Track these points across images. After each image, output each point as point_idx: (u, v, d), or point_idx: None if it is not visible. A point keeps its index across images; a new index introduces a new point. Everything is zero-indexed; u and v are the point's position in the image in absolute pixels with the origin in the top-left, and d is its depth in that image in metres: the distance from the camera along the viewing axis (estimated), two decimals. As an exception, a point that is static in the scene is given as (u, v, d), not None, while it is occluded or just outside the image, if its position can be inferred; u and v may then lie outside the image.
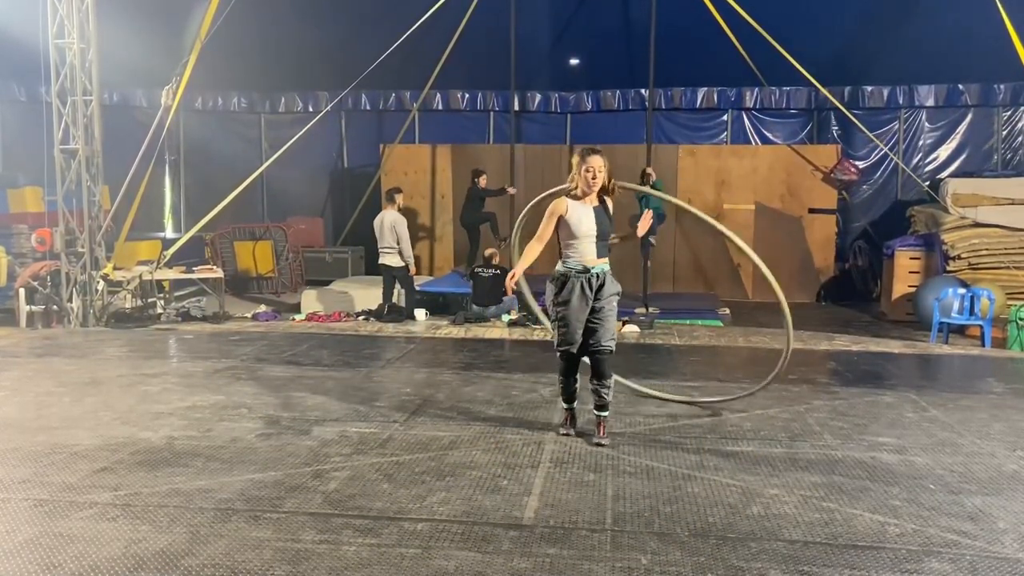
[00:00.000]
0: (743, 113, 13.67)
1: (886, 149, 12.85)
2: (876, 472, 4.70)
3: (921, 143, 13.17)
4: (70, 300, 9.74)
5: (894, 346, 8.79)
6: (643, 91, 13.01)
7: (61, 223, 9.77)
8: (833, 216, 12.55)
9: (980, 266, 10.16)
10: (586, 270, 5.07)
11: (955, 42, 11.14)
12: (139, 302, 10.18)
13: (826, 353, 8.52)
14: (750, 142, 13.60)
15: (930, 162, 13.13)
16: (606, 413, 5.23)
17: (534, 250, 5.12)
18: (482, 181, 11.50)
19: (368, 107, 14.51)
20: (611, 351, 5.15)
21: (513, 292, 7.16)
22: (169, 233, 14.58)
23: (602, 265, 5.13)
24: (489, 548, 3.65)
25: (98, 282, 9.88)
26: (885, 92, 13.06)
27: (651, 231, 11.18)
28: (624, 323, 9.69)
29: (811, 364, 8.00)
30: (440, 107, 14.34)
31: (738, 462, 4.88)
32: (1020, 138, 12.99)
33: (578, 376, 5.30)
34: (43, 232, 9.96)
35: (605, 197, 5.16)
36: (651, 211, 5.60)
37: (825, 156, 12.44)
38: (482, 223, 11.65)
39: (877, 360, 8.13)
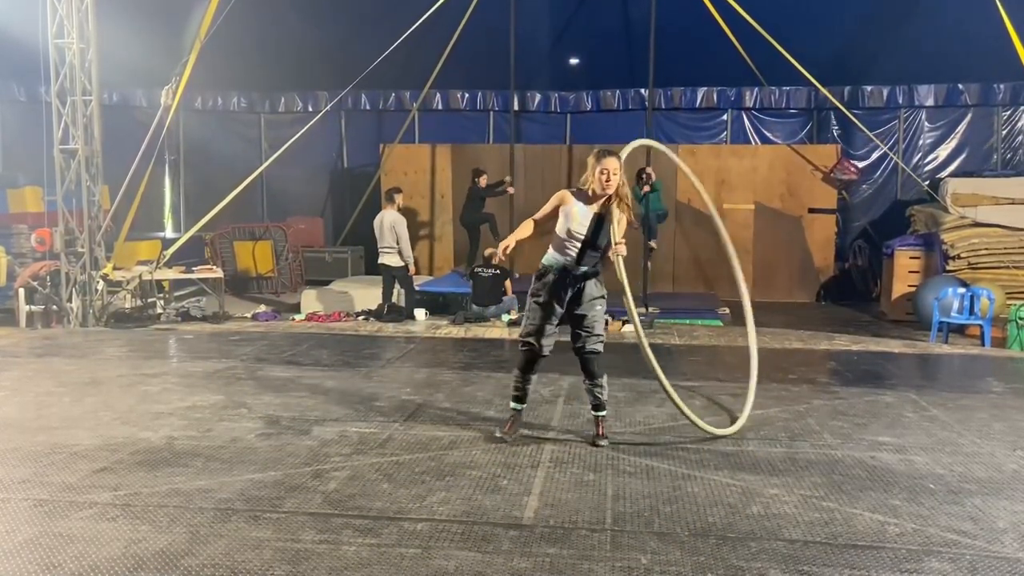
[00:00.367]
0: (743, 113, 13.67)
1: (886, 149, 12.85)
2: (876, 472, 4.70)
3: (921, 143, 13.17)
4: (70, 300, 9.74)
5: (894, 346, 8.78)
6: (643, 91, 13.01)
7: (61, 223, 9.77)
8: (833, 216, 12.55)
9: (980, 266, 10.16)
10: (566, 268, 5.04)
11: (955, 42, 11.14)
12: (139, 302, 10.18)
13: (826, 353, 8.52)
14: (750, 142, 13.59)
15: (930, 162, 13.13)
16: (603, 413, 5.23)
17: (527, 227, 5.08)
18: (482, 181, 11.50)
19: (368, 107, 14.50)
20: (598, 352, 5.14)
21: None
22: (169, 233, 14.57)
23: (586, 268, 5.07)
24: (489, 548, 3.65)
25: (98, 282, 9.87)
26: (885, 92, 13.06)
27: (652, 235, 11.22)
28: (624, 323, 9.69)
29: (811, 364, 8.01)
30: (440, 107, 14.34)
31: (738, 462, 4.88)
32: (1020, 138, 12.99)
33: (535, 378, 5.26)
34: (43, 232, 9.96)
35: (613, 208, 4.96)
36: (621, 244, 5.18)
37: (825, 156, 12.44)
38: (482, 223, 11.65)
39: (877, 360, 8.13)
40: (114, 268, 10.14)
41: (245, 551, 3.61)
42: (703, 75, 13.26)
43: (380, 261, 10.24)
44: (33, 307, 9.64)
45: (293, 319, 10.39)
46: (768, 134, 13.61)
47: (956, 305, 8.99)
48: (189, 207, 14.47)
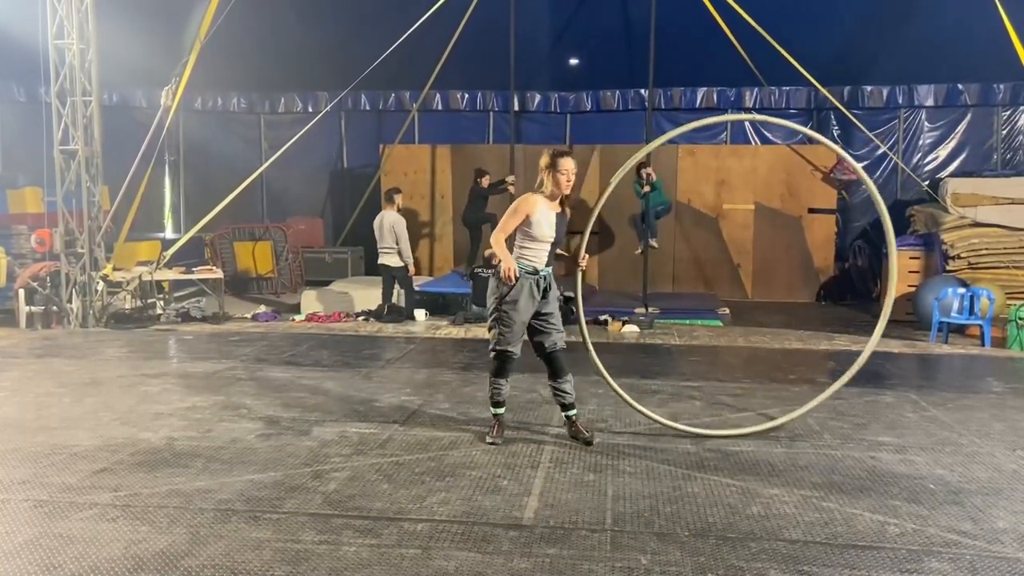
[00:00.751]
0: (743, 113, 13.66)
1: (886, 149, 12.85)
2: (876, 472, 4.70)
3: (921, 143, 13.18)
4: (70, 301, 9.74)
5: (894, 346, 8.78)
6: (643, 91, 13.02)
7: (61, 224, 9.77)
8: (833, 216, 12.55)
9: (980, 266, 10.16)
10: (536, 272, 5.05)
11: (955, 42, 11.14)
12: (139, 303, 10.18)
13: (826, 353, 8.52)
14: (750, 142, 13.60)
15: (930, 162, 13.13)
16: (575, 411, 5.21)
17: (502, 243, 5.09)
18: (484, 181, 11.50)
19: (368, 107, 14.51)
20: (564, 349, 5.17)
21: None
22: (169, 233, 14.58)
23: (549, 268, 5.13)
24: (489, 548, 3.65)
25: (98, 283, 9.88)
26: (885, 92, 13.06)
27: (652, 233, 11.22)
28: (624, 323, 9.70)
29: (811, 364, 8.01)
30: (440, 107, 14.34)
31: (738, 462, 4.88)
32: (1020, 137, 12.99)
33: (510, 380, 5.26)
34: (43, 233, 9.96)
35: (564, 205, 5.12)
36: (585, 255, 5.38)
37: (825, 156, 12.43)
38: (484, 223, 11.65)
39: (877, 360, 8.09)
40: (114, 269, 10.14)
41: (245, 552, 3.61)
42: (703, 75, 13.26)
43: (380, 261, 10.24)
44: (33, 308, 9.64)
45: (293, 320, 10.40)
46: (768, 134, 13.61)
47: (956, 305, 9.00)
48: (189, 208, 14.48)
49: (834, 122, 13.37)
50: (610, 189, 5.36)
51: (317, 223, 14.60)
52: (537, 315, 5.08)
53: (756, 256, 12.67)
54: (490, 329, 5.18)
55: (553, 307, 5.12)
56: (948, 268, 10.15)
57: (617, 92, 13.82)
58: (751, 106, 13.58)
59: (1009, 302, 9.38)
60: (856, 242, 13.01)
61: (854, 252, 12.92)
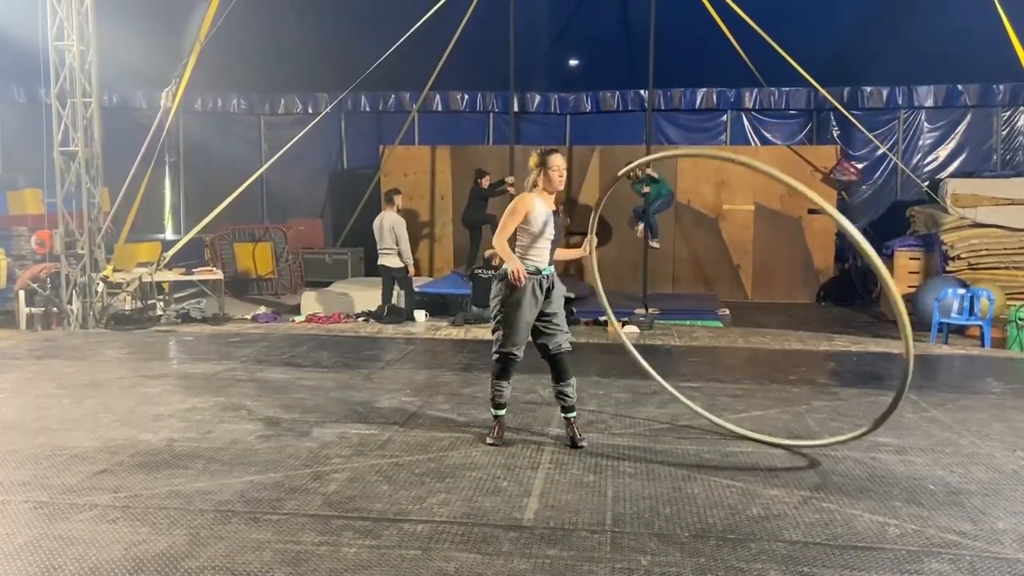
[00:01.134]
0: (742, 114, 13.69)
1: (885, 149, 12.86)
2: (876, 473, 4.70)
3: (920, 143, 13.19)
4: (70, 302, 9.75)
5: (894, 346, 8.78)
6: (642, 92, 13.03)
7: (61, 225, 9.77)
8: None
9: (979, 266, 10.16)
10: (538, 271, 5.02)
11: (954, 42, 11.15)
12: (139, 304, 10.18)
13: (826, 354, 8.52)
14: (749, 143, 13.61)
15: (929, 162, 13.14)
16: (574, 414, 5.18)
17: (507, 248, 5.02)
18: (484, 182, 11.50)
19: (368, 108, 14.52)
20: (569, 351, 5.14)
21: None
22: (169, 235, 14.59)
23: (551, 267, 5.10)
24: (489, 549, 3.65)
25: (98, 284, 9.88)
26: (884, 92, 13.07)
27: (654, 234, 11.22)
28: (623, 323, 9.70)
29: (811, 365, 8.00)
30: (439, 108, 14.35)
31: (738, 463, 4.88)
32: (1019, 138, 13.00)
33: (512, 382, 5.24)
34: (43, 234, 9.97)
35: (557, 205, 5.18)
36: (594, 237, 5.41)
37: (824, 157, 12.45)
38: (484, 224, 11.65)
39: (877, 360, 8.13)
40: (114, 270, 10.14)
41: (245, 553, 3.61)
42: (703, 76, 13.27)
43: (380, 262, 10.24)
44: (33, 309, 9.64)
45: (293, 321, 10.40)
46: (768, 135, 13.63)
47: (956, 306, 9.00)
48: (189, 209, 14.49)
49: (834, 123, 13.39)
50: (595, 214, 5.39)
51: (317, 224, 14.61)
52: (541, 316, 5.06)
53: (756, 257, 12.68)
54: (494, 331, 5.16)
55: (557, 307, 5.09)
56: (948, 269, 10.15)
57: (617, 93, 13.82)
58: (751, 107, 13.59)
59: (1009, 303, 9.38)
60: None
61: (854, 253, 12.91)
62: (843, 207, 12.90)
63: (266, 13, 11.59)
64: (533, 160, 5.06)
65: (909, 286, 10.44)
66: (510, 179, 11.43)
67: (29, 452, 5.01)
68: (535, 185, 5.05)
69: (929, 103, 13.04)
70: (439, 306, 10.83)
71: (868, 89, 13.04)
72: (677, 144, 13.45)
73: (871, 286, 12.44)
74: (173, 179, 15.13)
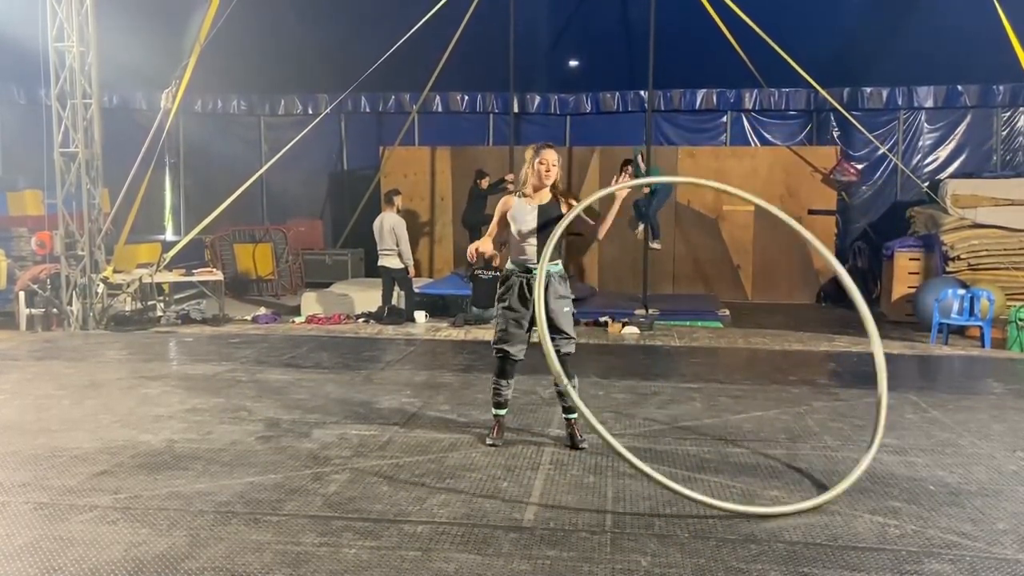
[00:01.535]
0: (742, 115, 13.67)
1: (885, 150, 12.86)
2: (876, 473, 4.70)
3: (920, 144, 13.18)
4: (70, 303, 9.75)
5: (894, 347, 8.77)
6: (642, 93, 13.01)
7: (61, 226, 9.78)
8: (833, 217, 12.56)
9: (980, 267, 10.16)
10: (528, 271, 4.99)
11: (954, 43, 11.14)
12: (139, 305, 10.18)
13: (826, 354, 8.52)
14: (749, 144, 13.60)
15: (929, 163, 13.13)
16: (575, 415, 5.13)
17: (487, 242, 5.11)
18: (484, 183, 11.51)
19: (368, 109, 14.51)
20: (569, 354, 5.07)
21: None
22: (169, 236, 14.59)
23: (549, 266, 4.92)
24: (489, 550, 3.65)
25: (98, 285, 9.88)
26: (884, 93, 13.07)
27: (655, 235, 11.21)
28: (624, 324, 9.70)
29: (811, 365, 8.01)
30: (440, 109, 14.34)
31: (738, 464, 4.88)
32: (1019, 139, 12.99)
33: (512, 382, 5.22)
34: (43, 235, 9.97)
35: (561, 198, 5.05)
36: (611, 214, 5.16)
37: (824, 157, 12.45)
38: (483, 224, 11.64)
39: (877, 361, 8.11)
40: (114, 271, 10.14)
41: (245, 554, 3.61)
42: (702, 77, 13.27)
43: (380, 263, 10.25)
44: (33, 310, 9.65)
45: (293, 321, 10.40)
46: (768, 136, 13.62)
47: (956, 306, 9.00)
48: (189, 210, 14.49)
49: (834, 123, 13.38)
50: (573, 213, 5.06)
51: (317, 225, 14.61)
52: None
53: (756, 257, 12.68)
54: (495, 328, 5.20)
55: (555, 309, 4.97)
56: (948, 269, 10.15)
57: (617, 94, 13.82)
58: (751, 107, 13.59)
59: (1009, 303, 9.38)
60: (856, 243, 13.02)
61: (854, 253, 12.92)
62: (843, 208, 12.95)
63: (266, 14, 11.59)
64: (528, 153, 5.08)
65: (909, 287, 10.45)
66: (510, 176, 11.43)
67: (29, 453, 5.01)
68: (527, 179, 5.05)
69: (929, 104, 13.03)
70: (439, 307, 10.83)
71: (868, 90, 13.04)
72: (677, 145, 13.45)
73: (871, 287, 12.45)
74: (173, 180, 15.13)
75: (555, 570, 3.47)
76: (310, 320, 10.41)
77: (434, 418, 5.86)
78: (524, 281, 5.00)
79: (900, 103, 13.08)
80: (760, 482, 4.56)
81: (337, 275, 12.98)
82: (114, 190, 10.65)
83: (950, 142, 13.09)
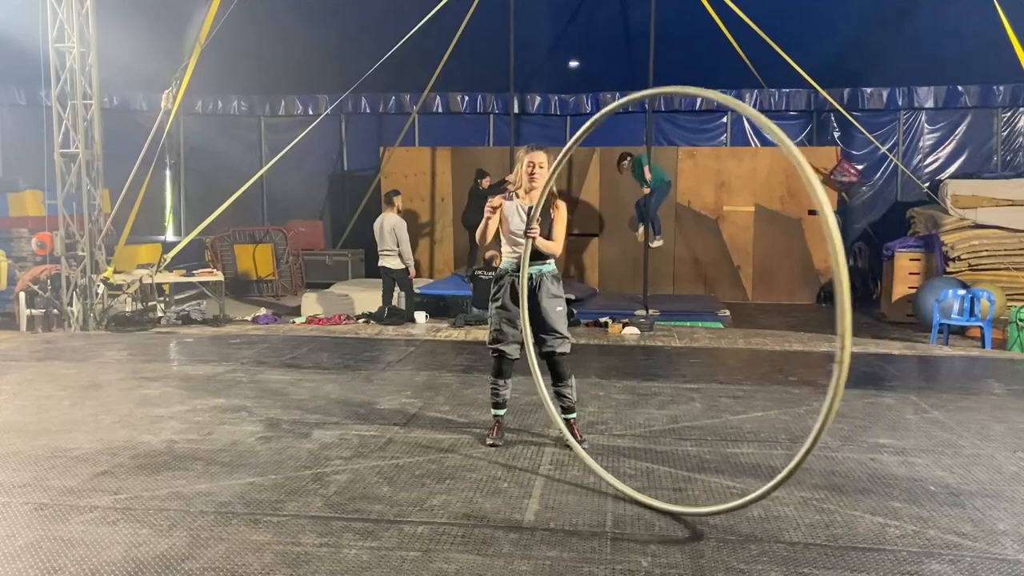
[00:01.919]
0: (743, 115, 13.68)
1: (885, 151, 12.86)
2: (876, 474, 4.70)
3: (921, 144, 13.20)
4: (70, 304, 9.75)
5: (894, 347, 8.79)
6: (643, 93, 13.00)
7: (61, 227, 9.78)
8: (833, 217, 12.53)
9: (980, 267, 10.17)
10: (518, 270, 5.00)
11: (954, 44, 11.16)
12: (139, 305, 10.18)
13: (826, 355, 8.51)
14: (749, 144, 13.62)
15: (930, 163, 13.15)
16: (574, 415, 5.16)
17: (482, 243, 5.18)
18: (484, 182, 11.51)
19: (368, 110, 14.53)
20: (564, 354, 5.06)
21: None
22: (169, 236, 14.60)
23: (541, 266, 5.00)
24: (489, 551, 3.65)
25: (98, 286, 9.88)
26: (884, 94, 13.08)
27: (656, 231, 11.21)
28: (624, 325, 9.70)
29: (811, 366, 8.00)
30: (440, 109, 14.36)
31: (738, 464, 4.88)
32: (1020, 139, 13.01)
33: (510, 382, 5.22)
34: (43, 236, 9.97)
35: (552, 200, 5.03)
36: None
37: (825, 158, 12.44)
38: (483, 224, 11.66)
39: (877, 362, 8.13)
40: (115, 272, 10.14)
41: (246, 554, 3.61)
42: (702, 77, 13.11)
43: (380, 264, 10.25)
44: (33, 311, 9.65)
45: (293, 322, 10.40)
46: (768, 136, 13.59)
47: (956, 307, 9.00)
48: (189, 210, 14.51)
49: (834, 124, 13.40)
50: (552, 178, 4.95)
51: (317, 225, 14.61)
52: (533, 318, 5.04)
53: (756, 258, 12.69)
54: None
55: (547, 309, 4.98)
56: (948, 270, 10.15)
57: (617, 94, 13.79)
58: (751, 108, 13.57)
59: (1009, 304, 9.38)
60: (856, 244, 13.03)
61: (854, 254, 12.93)
62: (844, 208, 12.95)
63: (266, 15, 11.60)
64: (519, 154, 5.14)
65: (909, 287, 10.45)
66: (511, 177, 11.42)
67: (29, 454, 5.01)
68: (520, 180, 5.08)
69: (929, 104, 13.05)
70: (439, 308, 10.83)
71: (868, 90, 13.05)
72: (678, 145, 13.45)
73: (872, 287, 12.46)
74: (174, 181, 15.14)
75: (555, 570, 3.47)
76: (310, 321, 10.41)
77: (434, 419, 5.86)
78: (516, 280, 5.02)
79: (900, 103, 13.10)
80: (760, 482, 4.53)
81: (337, 276, 12.99)
82: (114, 191, 10.66)
83: (950, 142, 13.10)
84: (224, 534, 3.82)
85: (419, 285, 11.00)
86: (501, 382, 5.18)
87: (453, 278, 12.06)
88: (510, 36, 10.67)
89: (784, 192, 12.51)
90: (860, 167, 12.90)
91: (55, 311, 9.71)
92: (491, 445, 5.16)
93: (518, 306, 5.00)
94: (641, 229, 11.10)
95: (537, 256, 4.98)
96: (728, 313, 10.56)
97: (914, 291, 10.19)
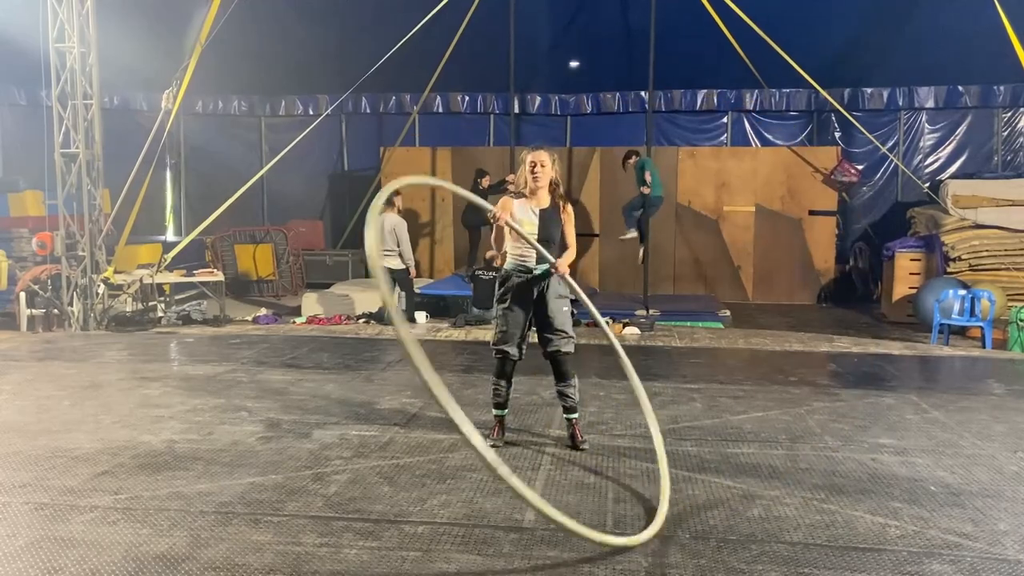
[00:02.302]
0: (743, 115, 13.69)
1: (886, 151, 12.86)
2: (877, 474, 4.70)
3: (921, 144, 13.19)
4: (71, 304, 9.75)
5: (895, 348, 8.78)
6: (643, 93, 13.02)
7: (62, 227, 9.78)
8: (833, 218, 12.56)
9: (980, 267, 10.17)
10: (527, 271, 5.01)
11: (955, 44, 11.16)
12: (140, 305, 10.18)
13: (826, 355, 8.52)
14: (750, 144, 13.61)
15: (930, 163, 13.14)
16: (576, 415, 5.15)
17: (498, 250, 5.17)
18: (485, 182, 11.51)
19: (368, 110, 14.53)
20: (569, 353, 5.07)
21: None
22: (170, 236, 14.60)
23: (545, 268, 5.00)
24: (490, 551, 3.65)
25: (99, 286, 9.88)
26: (885, 94, 13.08)
27: (643, 237, 11.11)
28: (624, 325, 9.69)
29: (812, 366, 8.00)
30: (440, 110, 14.36)
31: (738, 464, 4.87)
32: (1020, 139, 13.00)
33: (512, 382, 5.22)
34: (44, 236, 9.97)
35: (560, 203, 5.03)
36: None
37: (825, 158, 12.45)
38: (484, 224, 11.65)
39: (878, 362, 8.13)
40: (115, 272, 10.14)
41: (246, 554, 3.61)
42: (703, 77, 13.28)
43: (381, 264, 10.22)
44: (34, 311, 9.65)
45: (294, 322, 10.40)
46: (768, 136, 13.63)
47: (957, 307, 8.99)
48: (190, 210, 14.51)
49: (835, 124, 13.39)
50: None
51: (317, 226, 14.62)
52: (539, 318, 5.05)
53: (757, 258, 12.68)
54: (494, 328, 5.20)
55: (555, 311, 5.00)
56: (949, 270, 10.15)
57: (617, 94, 13.83)
58: (751, 108, 13.61)
59: (1010, 304, 9.38)
60: (857, 244, 13.03)
61: (855, 254, 12.93)
62: (844, 208, 12.95)
63: (266, 15, 11.61)
64: (523, 154, 5.11)
65: (910, 287, 10.46)
66: (511, 177, 11.41)
67: (30, 454, 5.01)
68: (524, 180, 5.05)
69: (930, 104, 13.05)
70: (440, 308, 10.83)
71: (869, 90, 13.05)
72: (678, 145, 13.45)
73: (872, 287, 12.45)
74: (174, 181, 15.14)
75: (555, 570, 3.47)
76: (311, 321, 10.41)
77: (435, 419, 5.85)
78: (524, 281, 5.01)
79: (901, 104, 13.09)
80: (761, 482, 4.55)
81: (337, 276, 12.99)
82: (115, 191, 10.66)
83: (951, 143, 13.09)
84: (224, 534, 3.82)
85: (419, 285, 11.00)
86: (503, 383, 5.18)
87: (453, 278, 12.06)
88: (510, 36, 10.67)
89: (784, 192, 12.51)
90: (860, 167, 12.89)
91: (55, 311, 9.71)
92: (492, 445, 5.15)
93: (525, 307, 5.00)
94: (630, 233, 11.07)
95: (541, 256, 4.99)
96: (728, 313, 10.55)
97: (914, 291, 10.19)
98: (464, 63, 12.56)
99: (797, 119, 13.60)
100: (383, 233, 10.13)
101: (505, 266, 5.15)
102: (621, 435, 5.44)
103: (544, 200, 5.04)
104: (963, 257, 10.17)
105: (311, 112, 14.26)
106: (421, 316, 10.30)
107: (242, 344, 8.89)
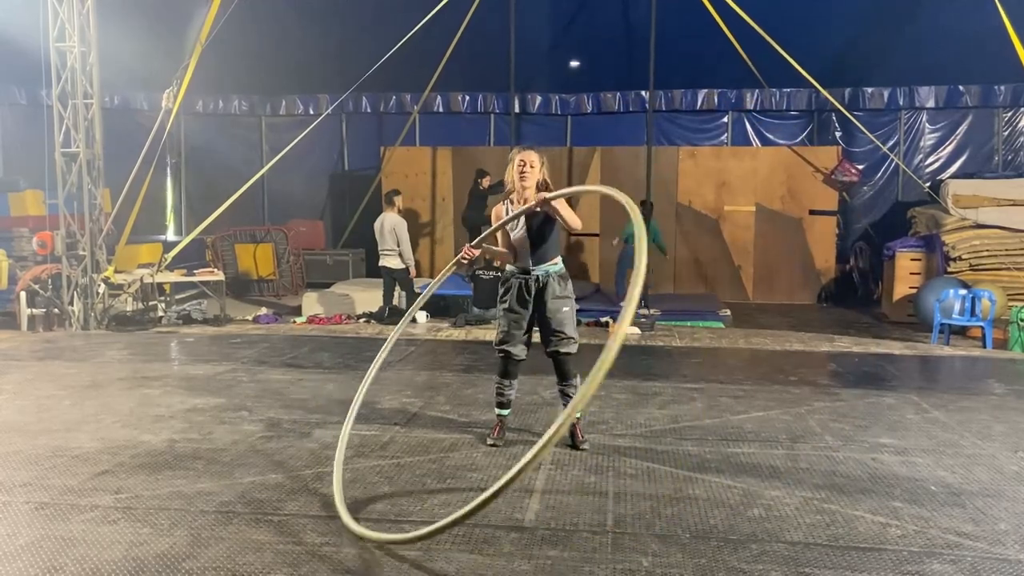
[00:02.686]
0: (743, 115, 13.69)
1: (886, 150, 12.86)
2: (877, 474, 4.70)
3: (922, 144, 13.19)
4: (71, 303, 9.76)
5: (895, 347, 8.78)
6: (643, 93, 13.03)
7: (62, 226, 9.78)
8: (834, 217, 12.56)
9: (981, 267, 10.16)
10: (525, 272, 5.00)
11: (955, 43, 11.15)
12: (140, 305, 10.18)
13: (827, 355, 8.52)
14: (750, 144, 13.61)
15: (931, 163, 13.14)
16: (578, 415, 5.10)
17: (500, 251, 5.15)
18: (485, 182, 11.51)
19: (368, 109, 14.53)
20: (571, 353, 5.05)
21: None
22: (170, 236, 14.60)
23: (547, 267, 4.98)
24: (490, 550, 3.65)
25: (99, 285, 9.89)
26: (885, 93, 13.08)
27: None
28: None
29: (812, 366, 8.00)
30: (440, 109, 14.36)
31: (739, 464, 4.87)
32: (1021, 139, 12.99)
33: (515, 382, 5.21)
34: (44, 235, 9.97)
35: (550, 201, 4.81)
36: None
37: (825, 158, 12.45)
38: (484, 224, 11.65)
39: (878, 361, 8.13)
40: (115, 271, 10.15)
41: (246, 554, 3.61)
42: (703, 77, 13.27)
43: (381, 263, 10.25)
44: (34, 310, 9.65)
45: (294, 322, 10.40)
46: (769, 136, 13.63)
47: (957, 307, 8.99)
48: (190, 210, 14.51)
49: (835, 124, 13.39)
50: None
51: (318, 225, 14.61)
52: (540, 319, 5.05)
53: (757, 258, 12.68)
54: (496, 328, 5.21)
55: (554, 312, 4.98)
56: (949, 269, 10.15)
57: (618, 94, 13.83)
58: (752, 108, 13.60)
59: (1010, 303, 9.38)
60: (857, 243, 13.03)
61: (855, 254, 12.93)
62: (844, 208, 12.95)
63: (266, 15, 11.60)
64: (511, 154, 5.07)
65: (910, 287, 10.46)
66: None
67: (30, 453, 5.01)
68: (510, 183, 5.02)
69: (930, 104, 13.05)
70: (440, 307, 10.82)
71: (869, 90, 13.05)
72: (678, 145, 13.45)
73: (872, 287, 12.45)
74: (174, 180, 15.14)
75: (556, 570, 3.47)
76: (311, 320, 10.41)
77: (435, 418, 5.86)
78: (523, 282, 5.02)
79: (901, 103, 13.09)
80: (761, 482, 4.55)
81: (338, 275, 12.98)
82: (115, 190, 10.66)
83: (951, 142, 13.09)
84: (225, 533, 3.82)
85: (420, 285, 10.99)
86: (506, 383, 5.19)
87: (453, 278, 12.02)
88: (510, 36, 10.66)
89: (785, 192, 12.52)
90: (861, 167, 12.89)
91: (56, 311, 9.71)
92: (492, 445, 5.16)
93: (525, 308, 5.01)
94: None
95: (544, 257, 4.99)
96: (729, 313, 10.55)
97: (915, 291, 10.19)
98: (464, 63, 12.56)
99: (797, 119, 13.59)
100: (383, 232, 10.13)
101: (506, 268, 5.16)
102: (622, 435, 5.44)
103: (532, 199, 4.86)
104: (964, 257, 10.16)
105: (311, 112, 14.26)
106: (421, 316, 10.30)
107: (242, 344, 8.89)
